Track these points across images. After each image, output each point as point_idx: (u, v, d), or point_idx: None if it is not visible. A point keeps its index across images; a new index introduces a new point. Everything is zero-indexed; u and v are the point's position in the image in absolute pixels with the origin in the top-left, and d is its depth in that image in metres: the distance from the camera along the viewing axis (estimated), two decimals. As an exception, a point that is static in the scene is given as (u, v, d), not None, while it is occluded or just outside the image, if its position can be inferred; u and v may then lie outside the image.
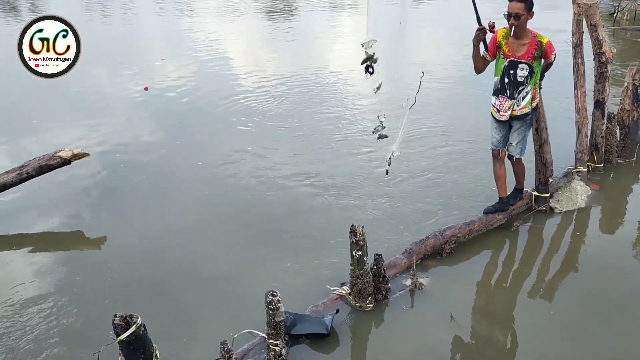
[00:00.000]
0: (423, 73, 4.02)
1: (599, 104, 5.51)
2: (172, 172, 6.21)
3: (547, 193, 5.04)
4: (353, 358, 3.61)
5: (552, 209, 5.07)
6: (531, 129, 4.68)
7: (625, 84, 5.78)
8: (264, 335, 3.50)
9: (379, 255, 3.97)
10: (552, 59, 4.34)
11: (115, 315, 2.87)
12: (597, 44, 5.33)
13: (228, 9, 16.95)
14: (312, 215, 5.22)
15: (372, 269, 3.92)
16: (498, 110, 4.48)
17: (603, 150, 5.68)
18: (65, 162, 5.08)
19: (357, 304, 3.92)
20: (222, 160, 6.41)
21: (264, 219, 5.18)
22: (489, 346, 3.64)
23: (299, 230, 4.97)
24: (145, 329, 2.94)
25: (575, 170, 5.41)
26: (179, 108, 8.24)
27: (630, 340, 3.62)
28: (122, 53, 11.57)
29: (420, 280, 4.16)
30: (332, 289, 4.07)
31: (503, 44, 4.29)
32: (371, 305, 3.93)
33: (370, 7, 3.57)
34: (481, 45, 4.32)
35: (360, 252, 3.77)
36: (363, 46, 3.66)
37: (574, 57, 5.30)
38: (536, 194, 5.03)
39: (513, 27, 4.21)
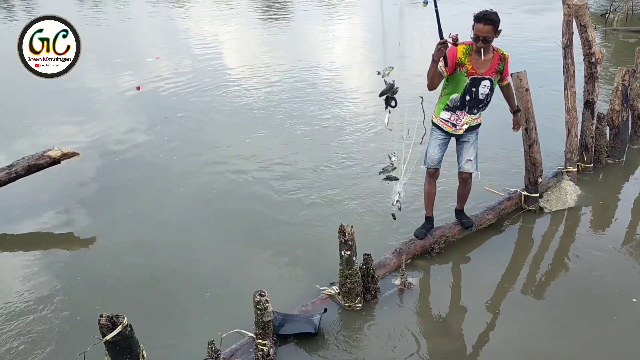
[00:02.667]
0: (422, 98, 3.90)
1: (589, 105, 5.53)
2: (163, 171, 6.20)
3: (537, 193, 5.06)
4: (341, 357, 3.60)
5: (541, 209, 5.09)
6: (520, 129, 4.69)
7: (615, 84, 5.81)
8: (252, 335, 3.50)
9: (368, 254, 3.98)
10: (509, 79, 4.25)
11: (101, 316, 2.86)
12: (587, 44, 5.35)
13: (222, 6, 16.92)
14: (302, 214, 5.22)
15: (361, 268, 3.92)
16: (454, 125, 4.20)
17: (593, 150, 5.70)
18: (55, 161, 5.06)
19: (346, 304, 3.92)
20: (213, 159, 6.41)
21: (254, 219, 5.18)
22: (478, 345, 3.65)
23: (289, 230, 4.97)
24: (132, 329, 2.92)
25: (565, 170, 5.43)
26: (171, 106, 8.23)
27: (616, 339, 3.63)
28: (115, 51, 11.54)
29: (410, 279, 4.16)
30: (321, 288, 4.08)
31: (465, 61, 3.98)
32: (360, 304, 3.93)
33: (385, 29, 3.41)
34: (441, 61, 3.98)
35: (349, 252, 3.77)
36: (379, 74, 3.43)
37: (564, 57, 5.32)
38: (526, 193, 5.04)
39: (482, 50, 3.94)
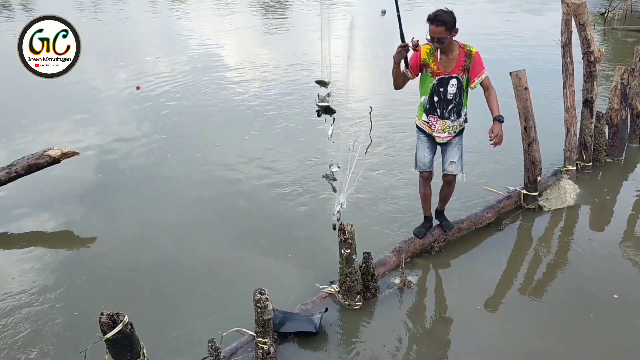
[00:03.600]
0: (371, 108, 3.89)
1: (588, 103, 5.54)
2: (163, 170, 6.21)
3: (536, 191, 5.06)
4: (341, 356, 3.60)
5: (540, 208, 5.10)
6: (521, 128, 4.70)
7: (614, 83, 5.82)
8: (253, 333, 3.50)
9: (367, 253, 3.98)
10: (483, 75, 3.99)
11: (101, 314, 2.86)
12: (586, 43, 5.36)
13: (221, 7, 16.92)
14: (302, 213, 5.23)
15: (360, 267, 3.92)
16: (431, 127, 4.18)
17: (592, 149, 5.71)
18: (55, 160, 5.07)
19: (346, 302, 3.93)
20: (213, 158, 6.42)
21: (253, 217, 5.19)
22: (478, 343, 3.65)
23: (289, 229, 4.98)
24: (132, 327, 2.92)
25: (564, 169, 5.45)
26: (171, 105, 8.24)
27: (615, 338, 3.64)
28: (114, 51, 11.54)
29: (409, 278, 4.17)
30: (321, 287, 4.08)
31: (430, 61, 3.97)
32: (360, 303, 3.93)
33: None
34: (402, 62, 3.99)
35: (349, 250, 3.78)
36: (318, 97, 3.46)
37: (563, 56, 5.33)
38: (525, 192, 5.05)
39: (438, 50, 3.95)
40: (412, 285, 4.14)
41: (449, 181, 4.37)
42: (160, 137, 7.12)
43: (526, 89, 4.84)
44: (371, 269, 3.96)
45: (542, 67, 8.82)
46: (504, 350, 3.59)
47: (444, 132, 4.15)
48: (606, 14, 13.38)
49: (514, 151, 5.44)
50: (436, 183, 4.44)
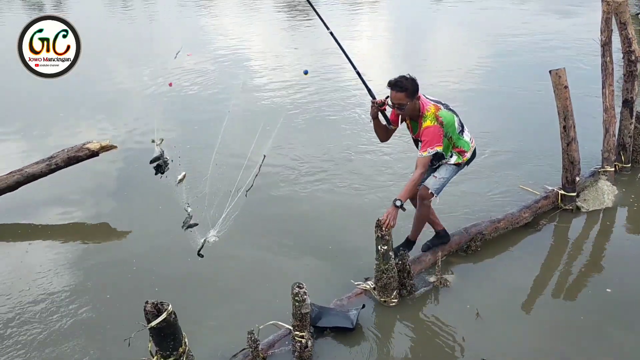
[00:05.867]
0: (265, 156, 3.90)
1: (627, 103, 5.43)
2: (195, 165, 6.25)
3: (574, 192, 4.98)
4: (378, 352, 3.60)
5: (578, 208, 5.01)
6: (559, 128, 4.61)
7: (655, 83, 5.69)
8: (289, 327, 3.52)
9: (404, 250, 3.97)
10: (424, 153, 3.77)
11: (146, 302, 2.90)
12: (627, 42, 5.25)
13: (247, 7, 17.03)
14: (336, 210, 5.24)
15: (397, 264, 3.91)
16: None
17: (631, 150, 5.59)
18: (93, 154, 5.15)
19: (382, 299, 3.92)
20: (246, 155, 6.42)
21: (286, 214, 5.21)
22: (512, 345, 3.61)
23: (323, 226, 4.99)
24: (176, 317, 2.97)
25: (602, 170, 5.35)
26: (202, 102, 8.31)
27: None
28: (146, 48, 11.69)
29: (445, 276, 4.14)
30: (356, 283, 4.08)
31: (406, 118, 3.97)
32: (396, 300, 3.92)
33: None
34: (381, 117, 3.97)
35: (385, 247, 3.77)
36: (153, 142, 3.57)
37: (602, 55, 5.23)
38: (563, 192, 4.97)
39: (399, 116, 3.91)
40: (448, 283, 4.11)
41: (420, 196, 4.08)
42: (191, 132, 7.17)
43: (566, 87, 4.76)
44: (407, 266, 3.94)
45: (582, 67, 8.73)
46: (538, 353, 3.54)
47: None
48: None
49: (552, 151, 5.37)
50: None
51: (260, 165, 3.88)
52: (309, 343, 3.44)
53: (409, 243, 4.30)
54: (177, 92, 8.78)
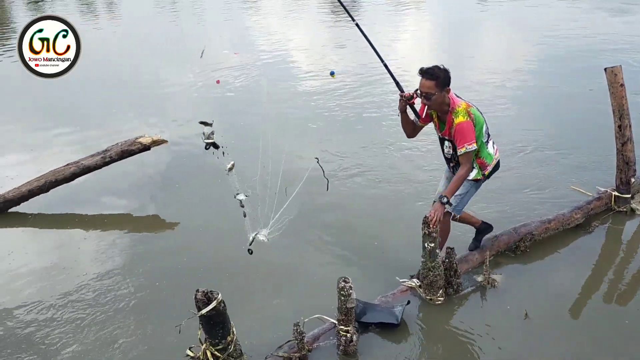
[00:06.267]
0: (318, 159, 3.90)
1: (688, 103, 5.21)
2: (242, 160, 6.34)
3: (629, 194, 4.81)
4: (421, 350, 3.58)
5: (632, 211, 4.84)
6: (613, 128, 4.46)
7: None
8: (334, 321, 3.54)
9: (451, 248, 3.93)
10: (462, 150, 3.64)
11: (197, 291, 2.98)
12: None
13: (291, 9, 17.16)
14: (382, 207, 5.23)
15: (444, 261, 3.88)
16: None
17: (690, 151, 5.36)
18: (145, 147, 5.30)
19: (428, 297, 3.89)
20: (294, 155, 6.48)
21: (330, 211, 5.22)
22: (559, 349, 3.52)
23: (369, 223, 4.99)
24: (225, 306, 3.03)
25: (658, 171, 5.14)
26: (249, 99, 8.41)
27: None
28: (195, 48, 11.94)
29: (493, 276, 4.07)
30: (401, 280, 4.06)
31: (434, 115, 3.82)
32: (442, 298, 3.89)
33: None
34: (410, 111, 3.85)
35: (432, 244, 3.74)
36: (204, 134, 3.59)
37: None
38: (617, 194, 4.81)
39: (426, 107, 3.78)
40: (495, 284, 4.04)
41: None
42: (240, 128, 7.27)
43: (622, 85, 4.61)
44: (454, 264, 3.90)
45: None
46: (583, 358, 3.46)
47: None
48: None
49: (605, 151, 5.20)
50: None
51: (322, 168, 3.95)
52: (354, 337, 3.46)
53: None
54: (222, 91, 8.94)
